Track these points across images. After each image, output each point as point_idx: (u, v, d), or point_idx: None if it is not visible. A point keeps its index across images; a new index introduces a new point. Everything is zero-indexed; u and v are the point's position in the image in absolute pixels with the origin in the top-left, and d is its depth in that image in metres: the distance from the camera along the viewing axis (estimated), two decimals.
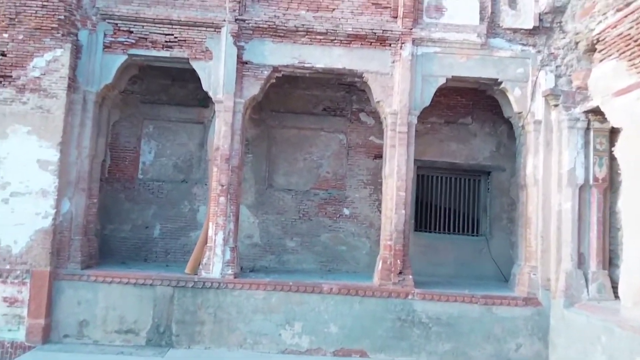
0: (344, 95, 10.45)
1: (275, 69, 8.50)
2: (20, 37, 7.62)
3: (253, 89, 8.46)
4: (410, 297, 8.04)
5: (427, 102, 8.54)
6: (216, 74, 8.30)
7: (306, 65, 8.47)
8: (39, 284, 7.61)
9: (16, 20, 7.62)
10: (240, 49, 8.34)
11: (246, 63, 8.42)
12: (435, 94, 8.55)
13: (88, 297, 7.92)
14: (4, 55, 7.66)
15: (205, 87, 8.34)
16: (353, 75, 8.71)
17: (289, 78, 9.30)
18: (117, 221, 9.80)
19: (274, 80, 8.73)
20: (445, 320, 8.00)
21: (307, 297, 8.05)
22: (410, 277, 8.14)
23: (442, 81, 8.57)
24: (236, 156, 8.36)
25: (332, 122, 10.37)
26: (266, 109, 10.15)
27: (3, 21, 7.61)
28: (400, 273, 8.12)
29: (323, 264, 10.03)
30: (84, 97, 8.07)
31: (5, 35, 7.60)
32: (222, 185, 8.21)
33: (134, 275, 8.04)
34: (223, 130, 8.28)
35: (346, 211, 10.20)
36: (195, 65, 8.31)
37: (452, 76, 8.56)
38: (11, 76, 7.67)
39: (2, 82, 7.65)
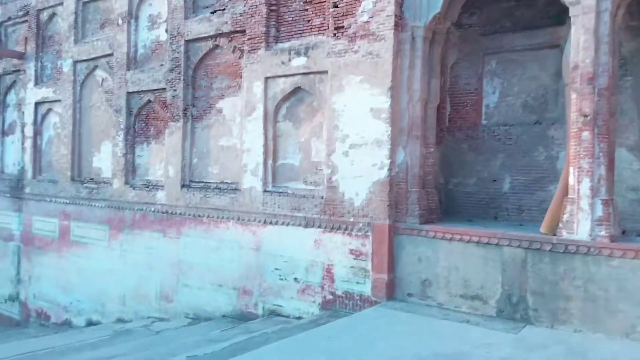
0: None
1: None
2: None
3: None
4: None
5: None
6: None
7: None
8: (379, 238, 7.33)
9: None
10: None
11: None
12: None
13: (428, 254, 7.19)
14: (336, 6, 7.63)
15: None
16: None
17: None
18: (460, 174, 8.76)
19: None
20: None
21: None
22: None
23: None
24: (604, 74, 5.99)
25: None
26: None
27: None
28: None
29: None
30: (412, 34, 7.29)
31: None
32: (585, 116, 6.00)
33: (476, 233, 6.82)
34: (582, 39, 6.04)
35: None
36: None
37: None
38: (343, 26, 7.57)
39: (336, 34, 7.64)
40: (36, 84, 12.80)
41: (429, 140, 7.71)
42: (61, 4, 12.06)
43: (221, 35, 9.20)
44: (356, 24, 7.47)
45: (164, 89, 10.03)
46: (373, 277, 7.39)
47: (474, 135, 8.61)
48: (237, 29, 8.90)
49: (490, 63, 8.50)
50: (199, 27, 9.48)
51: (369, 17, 7.36)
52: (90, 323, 11.25)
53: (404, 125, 7.39)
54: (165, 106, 10.03)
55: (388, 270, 7.31)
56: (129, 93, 10.75)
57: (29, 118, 12.98)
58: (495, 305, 6.69)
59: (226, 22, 9.06)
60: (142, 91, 10.55)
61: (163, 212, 9.99)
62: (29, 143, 12.99)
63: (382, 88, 7.26)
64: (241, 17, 8.82)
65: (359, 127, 7.46)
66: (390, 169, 7.26)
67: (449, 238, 7.01)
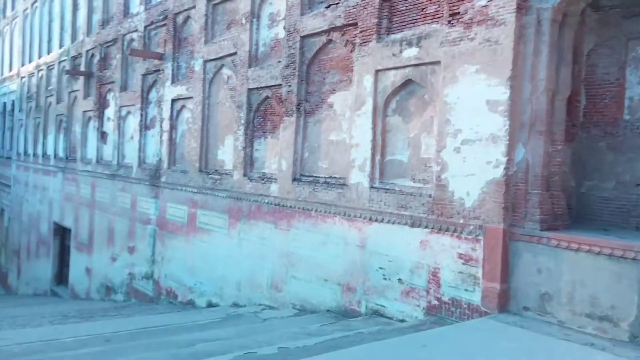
0: None
1: None
2: None
3: None
4: None
5: None
6: None
7: None
8: (492, 243, 6.69)
9: None
10: None
11: None
12: None
13: (549, 265, 6.39)
14: None
15: None
16: None
17: None
18: (596, 177, 7.67)
19: None
20: None
21: None
22: None
23: None
24: None
25: None
26: None
27: None
28: None
29: None
30: (537, 17, 6.52)
31: None
32: None
33: (608, 244, 5.89)
34: None
35: None
36: None
37: None
38: (459, 12, 7.03)
39: (451, 21, 7.12)
40: (172, 82, 13.98)
41: (556, 137, 6.84)
42: (194, 7, 13.01)
43: (334, 29, 9.14)
44: (473, 9, 6.89)
45: (280, 84, 10.27)
46: (484, 286, 6.77)
47: (614, 132, 7.46)
48: (350, 22, 8.77)
49: (636, 49, 7.28)
50: (313, 22, 9.52)
51: (488, 1, 6.73)
52: (210, 305, 12.00)
53: (525, 119, 6.64)
54: (281, 101, 10.27)
55: (501, 279, 6.64)
56: (249, 89, 11.21)
57: (166, 113, 14.23)
58: (628, 329, 5.73)
59: (339, 16, 8.98)
60: (261, 87, 10.93)
61: (275, 204, 10.25)
62: (165, 136, 14.24)
63: (500, 78, 6.60)
64: (354, 10, 8.67)
65: (473, 122, 6.88)
66: (507, 168, 6.59)
67: (575, 248, 6.15)
